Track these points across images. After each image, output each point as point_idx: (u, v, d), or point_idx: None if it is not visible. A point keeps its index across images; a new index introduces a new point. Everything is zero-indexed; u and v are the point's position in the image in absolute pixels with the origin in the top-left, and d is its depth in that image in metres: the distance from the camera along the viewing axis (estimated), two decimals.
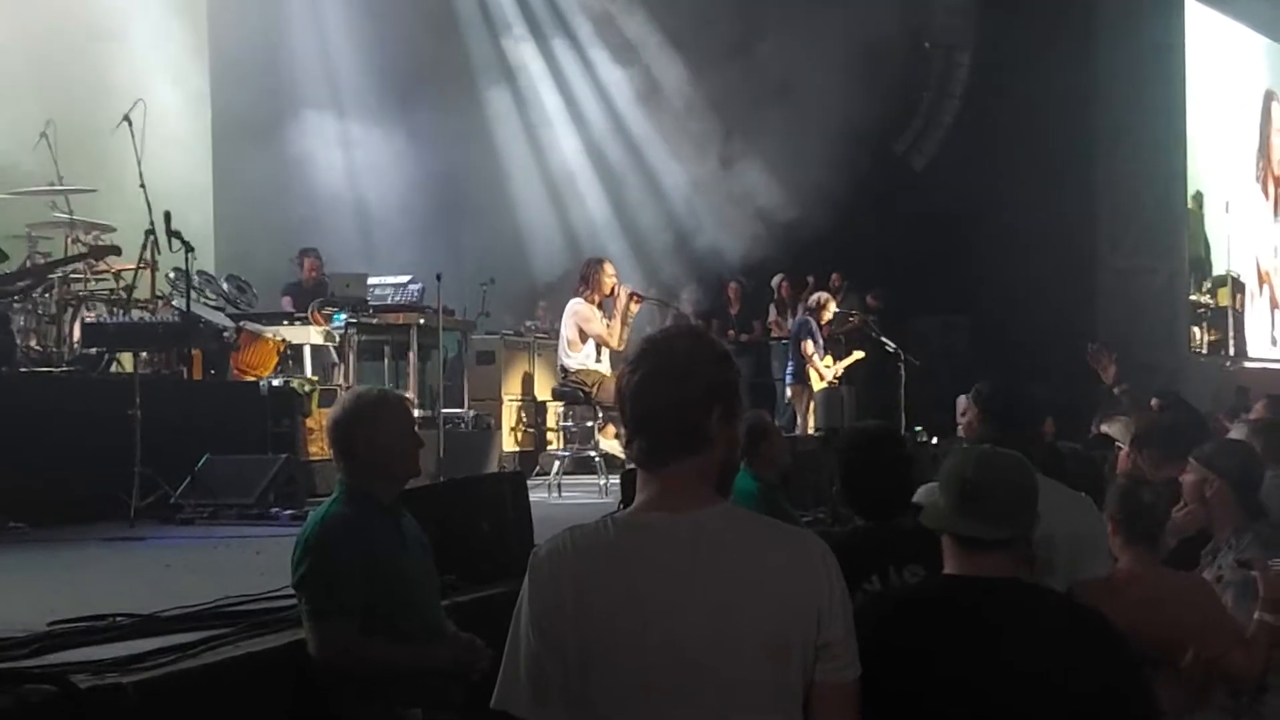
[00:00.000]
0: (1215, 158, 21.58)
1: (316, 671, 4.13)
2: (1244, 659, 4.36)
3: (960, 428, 5.13)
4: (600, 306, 10.77)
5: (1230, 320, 21.77)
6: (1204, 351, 21.25)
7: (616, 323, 10.74)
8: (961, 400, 5.15)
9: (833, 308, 14.67)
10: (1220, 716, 4.29)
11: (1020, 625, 3.17)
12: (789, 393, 14.71)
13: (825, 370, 14.09)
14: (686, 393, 2.61)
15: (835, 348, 15.05)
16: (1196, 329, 21.17)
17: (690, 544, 2.53)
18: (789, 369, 14.67)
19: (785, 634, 2.51)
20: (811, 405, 13.86)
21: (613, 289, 10.80)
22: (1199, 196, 21.35)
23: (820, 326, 14.33)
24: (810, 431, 13.11)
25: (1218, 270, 21.66)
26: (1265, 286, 23.06)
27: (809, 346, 14.14)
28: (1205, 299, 21.40)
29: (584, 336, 10.66)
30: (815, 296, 14.87)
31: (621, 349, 10.65)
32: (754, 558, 2.55)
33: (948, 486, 3.36)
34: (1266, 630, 4.39)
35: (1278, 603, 4.40)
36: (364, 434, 4.36)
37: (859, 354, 14.60)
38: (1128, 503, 4.54)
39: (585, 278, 10.86)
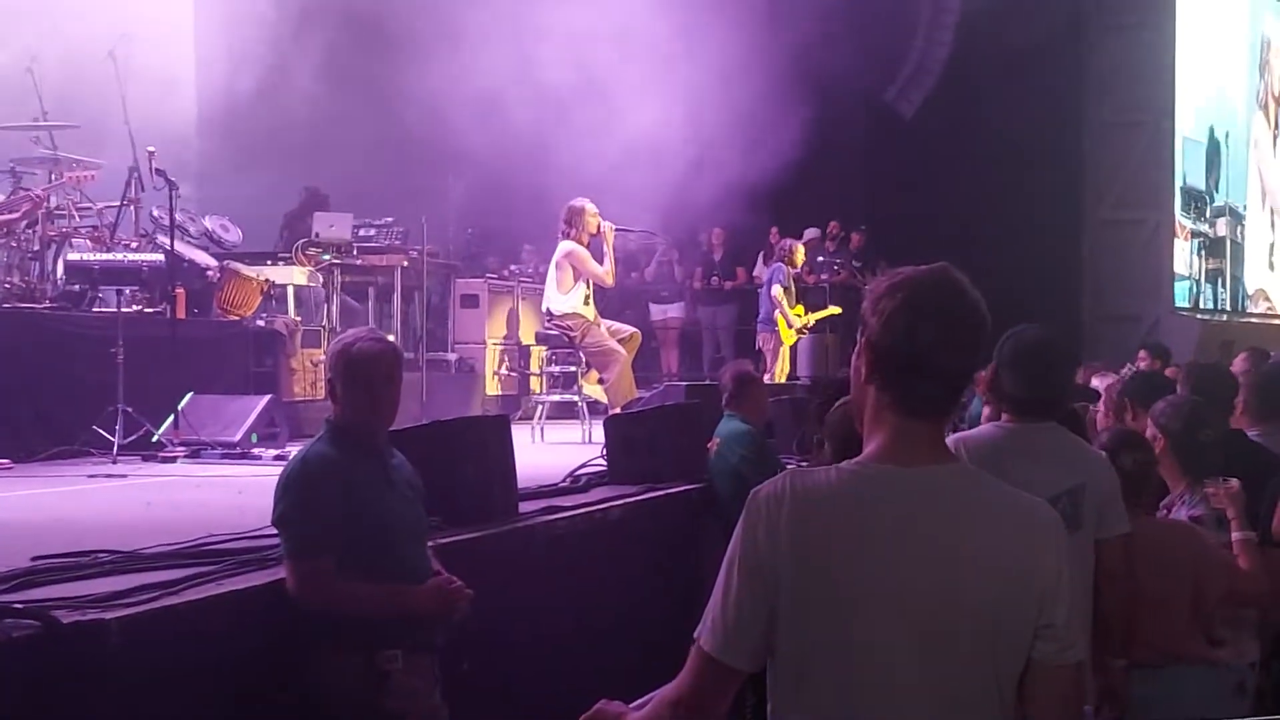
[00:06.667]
0: (1212, 90, 21.58)
1: (294, 610, 4.14)
2: (1248, 581, 4.46)
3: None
4: (588, 247, 10.74)
5: (1229, 250, 21.85)
6: (1200, 278, 21.29)
7: (609, 262, 10.73)
8: None
9: (802, 254, 14.60)
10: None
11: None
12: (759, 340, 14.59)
13: (794, 319, 13.97)
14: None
15: (819, 297, 15.07)
16: (1195, 257, 21.21)
17: (917, 499, 2.41)
18: (759, 316, 14.55)
19: (1005, 605, 2.39)
20: (782, 353, 13.85)
21: (599, 228, 10.77)
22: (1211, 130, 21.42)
23: (790, 275, 14.27)
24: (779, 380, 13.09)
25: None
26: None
27: (778, 293, 14.02)
28: (1204, 228, 21.44)
29: (576, 278, 10.61)
30: (783, 244, 14.80)
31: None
32: (982, 522, 2.42)
33: None
34: (1248, 545, 4.52)
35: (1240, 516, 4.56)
36: (350, 374, 4.35)
37: (835, 309, 14.54)
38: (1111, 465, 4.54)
39: (570, 220, 10.78)
